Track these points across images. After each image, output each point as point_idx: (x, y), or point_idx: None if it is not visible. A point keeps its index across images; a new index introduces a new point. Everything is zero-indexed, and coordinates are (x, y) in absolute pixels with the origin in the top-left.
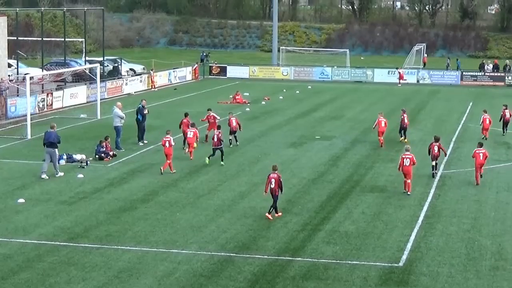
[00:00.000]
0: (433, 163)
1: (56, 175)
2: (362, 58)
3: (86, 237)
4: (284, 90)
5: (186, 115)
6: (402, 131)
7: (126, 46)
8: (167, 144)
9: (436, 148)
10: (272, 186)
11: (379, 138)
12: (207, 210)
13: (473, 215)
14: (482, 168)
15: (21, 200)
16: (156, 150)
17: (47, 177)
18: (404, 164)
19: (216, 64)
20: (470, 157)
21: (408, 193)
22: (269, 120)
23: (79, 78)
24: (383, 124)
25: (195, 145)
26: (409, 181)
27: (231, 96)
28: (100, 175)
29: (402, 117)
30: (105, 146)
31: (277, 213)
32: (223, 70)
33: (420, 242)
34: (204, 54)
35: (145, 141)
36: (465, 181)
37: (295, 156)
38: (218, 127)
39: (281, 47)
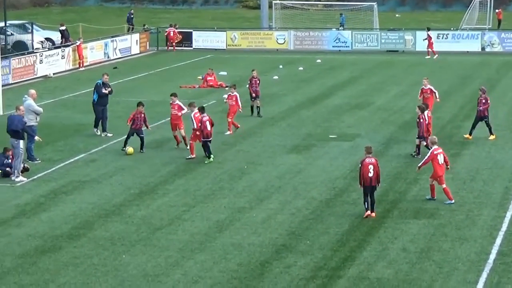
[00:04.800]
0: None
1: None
2: (397, 15)
3: None
4: (281, 67)
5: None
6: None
7: (39, 4)
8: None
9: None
10: (371, 175)
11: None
12: (168, 249)
13: None
14: None
15: None
16: (89, 161)
17: None
18: (438, 162)
19: (176, 28)
20: None
21: (450, 201)
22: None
23: None
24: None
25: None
26: (444, 186)
27: (201, 77)
28: (6, 200)
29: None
30: (11, 156)
31: (372, 213)
32: (187, 38)
33: None
34: (131, 13)
35: (109, 134)
36: None
37: (299, 165)
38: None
39: (274, 2)
